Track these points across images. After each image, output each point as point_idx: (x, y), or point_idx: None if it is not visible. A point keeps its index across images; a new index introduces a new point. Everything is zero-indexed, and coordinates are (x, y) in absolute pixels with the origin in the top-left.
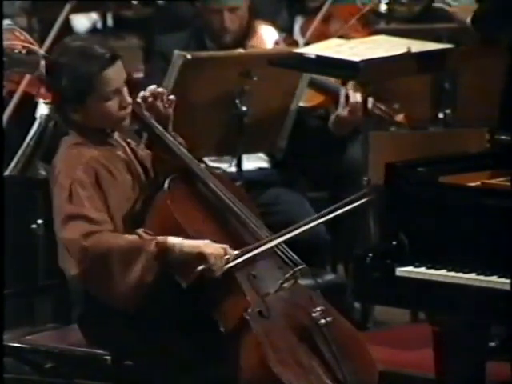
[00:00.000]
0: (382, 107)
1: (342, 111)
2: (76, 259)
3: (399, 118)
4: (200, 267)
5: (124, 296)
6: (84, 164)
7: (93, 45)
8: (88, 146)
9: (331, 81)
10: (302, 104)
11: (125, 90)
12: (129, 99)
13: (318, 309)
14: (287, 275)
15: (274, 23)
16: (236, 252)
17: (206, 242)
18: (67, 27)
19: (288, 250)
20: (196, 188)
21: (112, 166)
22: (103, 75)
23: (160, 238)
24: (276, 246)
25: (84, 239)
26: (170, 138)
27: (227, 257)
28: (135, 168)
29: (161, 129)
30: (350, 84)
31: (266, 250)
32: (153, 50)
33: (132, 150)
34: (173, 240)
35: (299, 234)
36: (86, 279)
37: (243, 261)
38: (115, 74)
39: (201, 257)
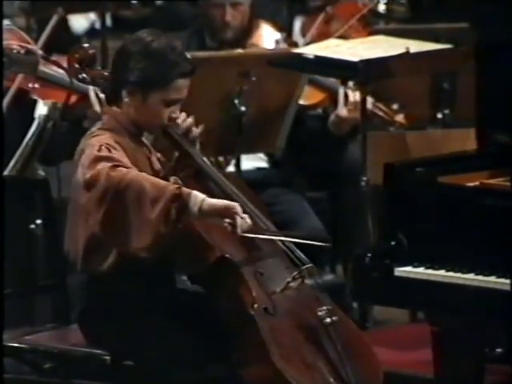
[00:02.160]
0: (383, 107)
1: (342, 110)
2: (100, 193)
3: (399, 118)
4: (228, 220)
5: (139, 239)
6: (115, 140)
7: (177, 50)
8: (120, 134)
9: (332, 80)
10: (301, 102)
11: (179, 106)
12: (178, 114)
13: (324, 308)
14: (294, 274)
15: (273, 23)
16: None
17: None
18: (65, 27)
19: (296, 249)
20: (206, 186)
21: (138, 157)
22: (177, 82)
23: (185, 188)
24: (284, 244)
25: (111, 170)
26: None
27: (248, 223)
28: (155, 166)
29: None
30: (350, 83)
31: (280, 240)
32: None
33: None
34: (198, 193)
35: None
36: (105, 221)
37: (260, 237)
38: (185, 85)
39: (226, 210)
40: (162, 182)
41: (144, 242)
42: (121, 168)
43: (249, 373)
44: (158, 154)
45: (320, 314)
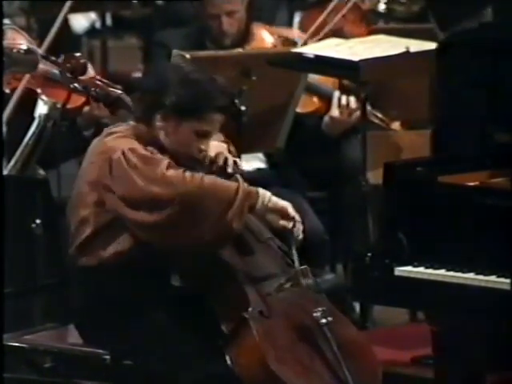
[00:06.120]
0: (379, 115)
1: (334, 111)
2: (176, 196)
3: (395, 126)
4: (285, 220)
5: (213, 236)
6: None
7: (222, 83)
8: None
9: (328, 85)
10: (297, 110)
11: (210, 139)
12: (207, 147)
13: (320, 309)
14: (288, 276)
15: (272, 24)
16: None
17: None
18: (65, 27)
19: (290, 251)
20: None
21: None
22: (212, 115)
23: (251, 187)
24: (278, 247)
25: (185, 173)
26: None
27: (301, 229)
28: None
29: None
30: (344, 87)
31: None
32: (152, 43)
33: None
34: (264, 191)
35: None
36: (175, 220)
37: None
38: (219, 120)
39: (286, 213)
40: (233, 184)
41: (218, 238)
42: (190, 173)
43: (245, 375)
44: None
45: (315, 315)
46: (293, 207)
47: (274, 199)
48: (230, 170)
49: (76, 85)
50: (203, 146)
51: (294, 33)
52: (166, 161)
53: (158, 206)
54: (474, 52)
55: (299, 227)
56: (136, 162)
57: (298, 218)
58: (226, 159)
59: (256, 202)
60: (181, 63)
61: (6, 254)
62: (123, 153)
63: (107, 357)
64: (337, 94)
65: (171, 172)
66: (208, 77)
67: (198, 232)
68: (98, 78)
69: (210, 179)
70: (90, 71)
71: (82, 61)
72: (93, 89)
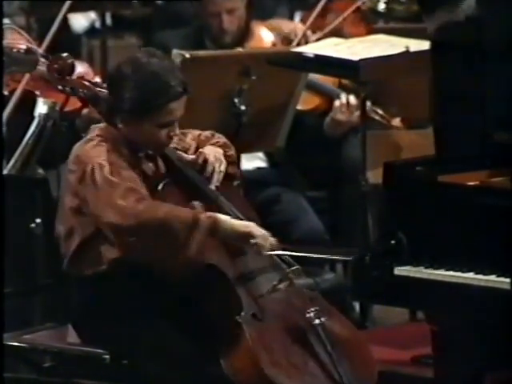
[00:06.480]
0: (379, 111)
1: (337, 113)
2: (128, 228)
3: (396, 122)
4: (254, 240)
5: (177, 266)
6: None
7: (169, 72)
8: (117, 148)
9: (328, 83)
10: (298, 107)
11: (177, 123)
12: (177, 131)
13: (313, 309)
14: (280, 277)
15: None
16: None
17: (253, 223)
18: (65, 27)
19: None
20: (188, 193)
21: (127, 173)
22: (169, 106)
23: (210, 213)
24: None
25: (138, 204)
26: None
27: (272, 242)
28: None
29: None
30: (344, 87)
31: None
32: (152, 43)
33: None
34: (222, 216)
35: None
36: (137, 250)
37: (284, 254)
38: (179, 107)
39: (249, 236)
40: (191, 213)
41: (182, 267)
42: (146, 201)
43: (240, 379)
44: (150, 164)
45: (308, 315)
46: (256, 225)
47: (236, 226)
48: (212, 186)
49: (64, 86)
50: (172, 132)
51: (297, 26)
52: (123, 186)
53: (117, 232)
54: (473, 52)
55: (265, 244)
56: (100, 183)
57: (265, 233)
58: (212, 173)
59: (218, 230)
60: (133, 58)
61: (6, 254)
62: (93, 168)
63: (106, 356)
64: (338, 94)
65: (123, 202)
66: (159, 68)
67: (167, 256)
68: (86, 77)
69: (164, 210)
70: (79, 70)
71: (69, 61)
72: (81, 90)
